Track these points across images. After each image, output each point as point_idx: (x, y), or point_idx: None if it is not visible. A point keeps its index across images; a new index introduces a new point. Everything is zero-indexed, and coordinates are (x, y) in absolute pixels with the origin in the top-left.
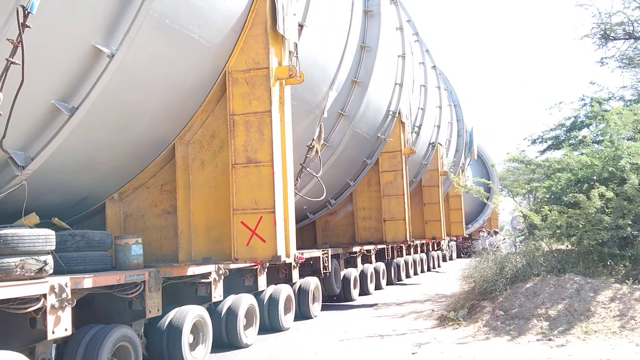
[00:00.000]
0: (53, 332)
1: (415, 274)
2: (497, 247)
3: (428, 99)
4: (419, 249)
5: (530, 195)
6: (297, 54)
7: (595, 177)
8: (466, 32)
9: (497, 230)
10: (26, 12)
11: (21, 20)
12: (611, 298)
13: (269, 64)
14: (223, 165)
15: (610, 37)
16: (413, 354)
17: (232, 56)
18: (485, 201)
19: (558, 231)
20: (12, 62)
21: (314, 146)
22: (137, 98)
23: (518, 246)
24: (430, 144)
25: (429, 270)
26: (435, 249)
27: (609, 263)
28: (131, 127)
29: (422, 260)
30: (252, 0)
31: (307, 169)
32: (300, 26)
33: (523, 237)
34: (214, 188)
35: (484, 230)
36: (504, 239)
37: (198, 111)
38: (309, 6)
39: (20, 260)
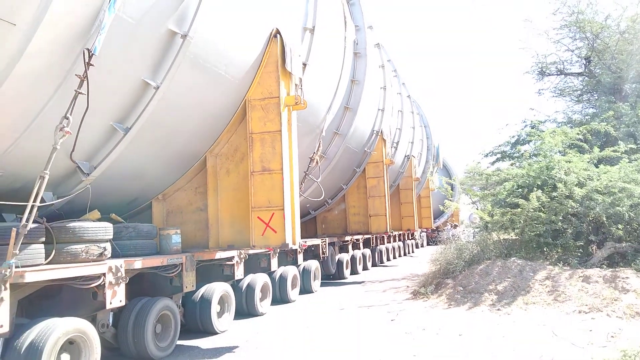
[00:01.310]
0: (111, 303)
1: (394, 258)
2: (458, 237)
3: (404, 121)
4: (397, 238)
5: (482, 200)
6: (301, 86)
7: (532, 183)
8: (435, 65)
9: (457, 224)
10: (90, 53)
11: (86, 60)
12: (546, 277)
13: (280, 94)
14: (244, 172)
15: (546, 73)
16: (392, 320)
17: (251, 88)
18: (443, 208)
19: (503, 226)
20: (80, 93)
21: (314, 158)
22: (177, 120)
23: (474, 236)
24: (405, 156)
25: (405, 255)
26: (410, 238)
27: (544, 250)
28: (172, 143)
29: (399, 247)
30: (267, 45)
31: (309, 175)
32: (304, 64)
33: (478, 229)
34: (236, 190)
35: (448, 223)
36: (464, 230)
37: (224, 131)
38: (310, 49)
39: (86, 246)
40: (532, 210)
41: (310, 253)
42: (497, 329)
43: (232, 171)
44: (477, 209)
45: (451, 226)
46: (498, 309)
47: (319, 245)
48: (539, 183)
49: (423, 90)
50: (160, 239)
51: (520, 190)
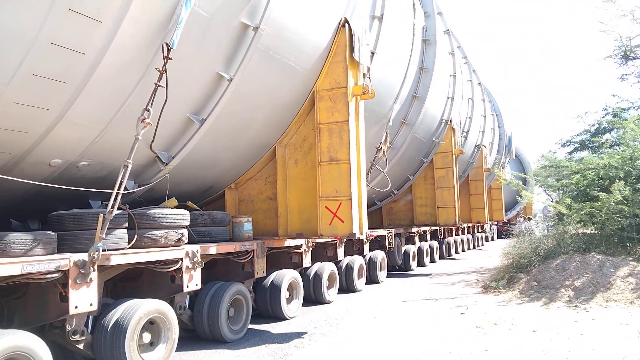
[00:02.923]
0: (187, 286)
1: (463, 251)
2: (532, 230)
3: (474, 110)
4: (466, 231)
5: (559, 190)
6: (369, 76)
7: (614, 174)
8: (508, 52)
9: (531, 217)
10: (169, 47)
11: (165, 54)
12: (629, 273)
13: (347, 84)
14: (311, 163)
15: (630, 57)
16: (462, 314)
17: (319, 78)
18: (518, 199)
19: (584, 218)
20: (159, 86)
21: (381, 148)
22: (248, 111)
23: (549, 230)
24: (476, 146)
25: (474, 248)
26: (479, 231)
27: (627, 245)
28: (244, 133)
29: (468, 240)
30: (335, 34)
31: (376, 165)
32: (372, 53)
33: (553, 223)
34: (304, 180)
35: (520, 216)
36: (537, 224)
37: (293, 121)
38: (378, 38)
39: (165, 232)
40: (614, 203)
41: (376, 244)
42: (575, 326)
43: (300, 161)
44: (551, 201)
45: (524, 219)
46: (575, 306)
47: (385, 236)
48: (622, 174)
49: (494, 78)
50: (232, 226)
51: (600, 181)
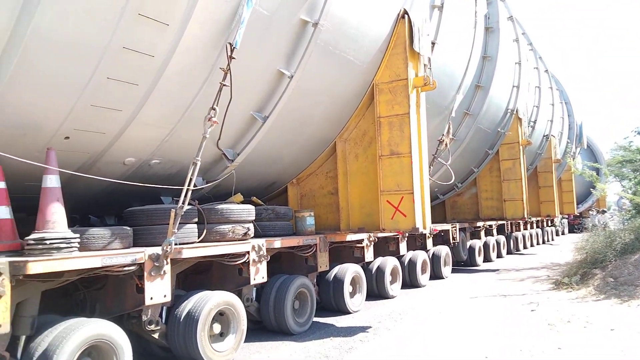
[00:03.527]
0: (254, 279)
1: (532, 245)
2: (606, 224)
3: (542, 98)
4: (534, 224)
5: (637, 181)
6: (430, 66)
7: None
8: (574, 38)
9: (605, 209)
10: (232, 47)
11: (229, 53)
12: None
13: (408, 75)
14: (372, 157)
15: None
16: (532, 310)
17: (378, 71)
18: (592, 191)
19: None
20: (224, 85)
21: (443, 140)
22: (308, 107)
23: (626, 223)
24: (544, 136)
25: (543, 243)
26: (549, 225)
27: None
28: (304, 129)
29: (537, 234)
30: (394, 26)
31: (438, 158)
32: (433, 43)
33: (630, 215)
34: (365, 174)
35: (593, 209)
36: (612, 217)
37: (353, 115)
38: (439, 27)
39: (232, 226)
40: None
41: (440, 238)
42: None
43: (360, 155)
44: (628, 193)
45: (597, 212)
46: None
47: (449, 230)
48: None
49: (562, 65)
50: (295, 221)
51: None
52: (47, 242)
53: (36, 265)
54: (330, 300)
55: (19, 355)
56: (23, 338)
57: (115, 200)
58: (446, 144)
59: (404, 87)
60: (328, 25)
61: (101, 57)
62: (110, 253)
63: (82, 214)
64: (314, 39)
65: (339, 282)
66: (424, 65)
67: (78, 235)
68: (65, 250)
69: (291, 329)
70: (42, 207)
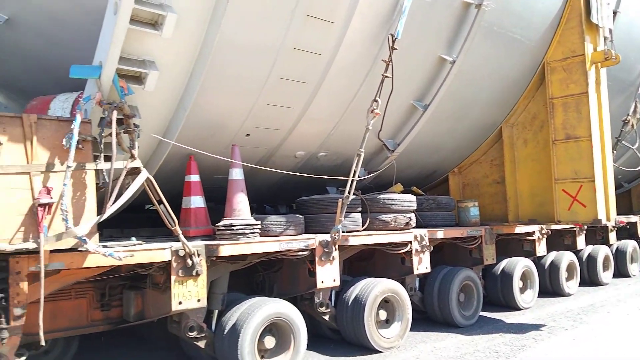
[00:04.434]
0: (417, 269)
1: None
2: None
3: None
4: None
5: None
6: (611, 39)
7: None
8: None
9: None
10: (394, 38)
11: (391, 44)
12: None
13: (585, 51)
14: (543, 142)
15: None
16: None
17: (549, 49)
18: None
19: None
20: (386, 76)
21: (629, 120)
22: (471, 92)
23: None
24: None
25: None
26: None
27: None
28: (467, 115)
29: None
30: None
31: (623, 141)
32: (614, 12)
33: None
34: (535, 161)
35: None
36: None
37: (520, 98)
38: None
39: (394, 216)
40: None
41: (625, 232)
42: None
43: (530, 141)
44: None
45: None
46: None
47: (636, 223)
48: None
49: None
50: (458, 211)
51: None
52: (235, 227)
53: (227, 248)
54: (498, 294)
55: (213, 327)
56: (216, 312)
57: (286, 190)
58: (632, 125)
59: (580, 64)
60: (493, 5)
61: (275, 58)
62: (287, 239)
63: (258, 203)
64: (477, 21)
65: (507, 276)
66: (604, 37)
67: (259, 222)
68: (250, 235)
69: (457, 321)
70: (230, 197)
